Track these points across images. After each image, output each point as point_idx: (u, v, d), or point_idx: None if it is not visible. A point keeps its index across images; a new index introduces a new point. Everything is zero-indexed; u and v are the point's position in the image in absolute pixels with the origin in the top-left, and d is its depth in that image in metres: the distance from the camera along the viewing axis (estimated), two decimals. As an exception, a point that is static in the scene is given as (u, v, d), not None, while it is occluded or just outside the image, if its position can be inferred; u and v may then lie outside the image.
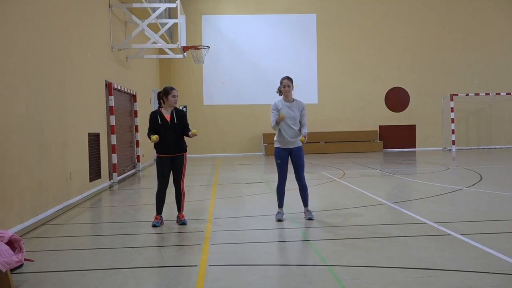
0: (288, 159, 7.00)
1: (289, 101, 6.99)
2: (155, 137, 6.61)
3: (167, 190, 7.01)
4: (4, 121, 6.56)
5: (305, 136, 6.79)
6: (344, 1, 23.33)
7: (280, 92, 7.10)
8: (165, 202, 7.18)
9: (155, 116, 6.85)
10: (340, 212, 7.54)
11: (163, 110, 6.90)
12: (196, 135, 6.81)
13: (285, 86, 6.97)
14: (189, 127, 7.02)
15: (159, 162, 6.92)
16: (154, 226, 6.81)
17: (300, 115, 6.96)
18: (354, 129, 23.04)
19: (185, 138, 6.99)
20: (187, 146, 7.04)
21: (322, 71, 23.12)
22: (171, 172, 6.96)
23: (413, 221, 6.73)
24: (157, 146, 6.86)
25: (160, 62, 22.48)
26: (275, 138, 7.02)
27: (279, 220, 6.89)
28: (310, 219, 6.91)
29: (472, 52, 23.61)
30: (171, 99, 6.84)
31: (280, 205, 7.07)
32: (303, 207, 7.12)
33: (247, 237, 6.14)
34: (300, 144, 6.96)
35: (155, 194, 6.99)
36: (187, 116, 7.63)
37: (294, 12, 23.24)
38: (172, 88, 6.94)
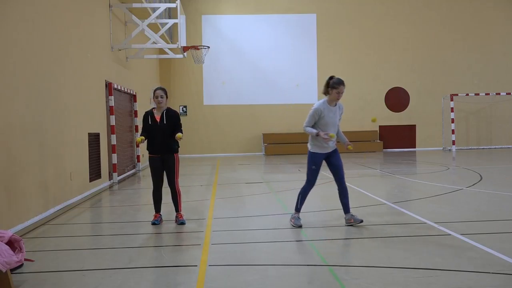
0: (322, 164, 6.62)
1: (333, 105, 6.45)
2: (139, 139, 6.75)
3: (165, 190, 7.02)
4: (4, 121, 6.56)
5: (350, 144, 6.64)
6: (344, 1, 23.34)
7: (326, 92, 6.45)
8: (164, 202, 7.21)
9: (146, 117, 6.94)
10: (340, 212, 7.52)
11: (155, 111, 6.96)
12: (180, 138, 6.76)
13: (340, 93, 6.33)
14: (183, 127, 7.04)
15: (150, 162, 7.00)
16: (153, 224, 6.87)
17: (339, 119, 6.57)
18: (354, 129, 23.05)
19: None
20: (178, 147, 7.02)
21: (322, 71, 23.10)
22: (165, 172, 6.97)
23: (413, 221, 6.73)
24: (147, 146, 6.95)
25: (160, 62, 22.47)
26: (313, 143, 6.48)
27: (300, 226, 6.45)
28: (361, 221, 6.46)
29: (472, 52, 23.61)
30: (155, 100, 6.91)
31: (300, 209, 6.67)
32: (344, 214, 6.59)
33: (247, 237, 6.14)
34: (336, 146, 6.61)
35: (151, 193, 7.05)
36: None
37: (294, 12, 23.25)
38: (157, 89, 6.96)
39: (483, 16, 23.66)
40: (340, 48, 23.30)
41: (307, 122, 6.41)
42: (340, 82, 6.34)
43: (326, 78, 6.61)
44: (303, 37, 23.27)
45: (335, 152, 6.57)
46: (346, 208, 6.56)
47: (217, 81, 23.07)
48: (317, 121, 6.38)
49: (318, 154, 6.47)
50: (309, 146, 6.56)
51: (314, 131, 6.31)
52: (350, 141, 6.83)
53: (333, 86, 6.34)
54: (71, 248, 5.83)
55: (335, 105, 6.48)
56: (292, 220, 6.60)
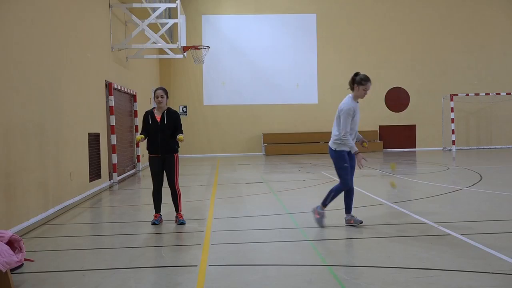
0: None
1: (356, 101, 6.39)
2: (139, 137, 6.75)
3: (165, 190, 7.02)
4: (4, 121, 6.57)
5: (365, 141, 6.53)
6: (344, 1, 23.34)
7: (352, 88, 6.34)
8: (164, 202, 7.21)
9: (146, 116, 6.96)
10: (340, 212, 7.52)
11: (155, 111, 6.97)
12: (182, 140, 6.75)
13: (367, 90, 6.22)
14: (182, 128, 7.04)
15: (150, 161, 7.00)
16: (153, 224, 6.88)
17: None
18: (354, 129, 22.99)
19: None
20: (178, 147, 7.02)
21: (322, 71, 23.12)
22: (165, 172, 6.98)
23: (413, 221, 6.73)
24: (147, 146, 6.96)
25: (160, 62, 22.47)
26: (338, 141, 6.26)
27: (322, 226, 6.35)
28: (361, 222, 6.42)
29: (472, 52, 23.61)
30: (155, 100, 6.92)
31: (326, 205, 6.46)
32: (345, 214, 6.51)
33: (247, 237, 6.14)
34: None
35: (151, 193, 7.04)
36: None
37: (294, 12, 23.25)
38: (158, 89, 6.96)
39: (483, 16, 23.66)
40: (340, 48, 23.30)
41: (347, 127, 6.10)
42: (368, 79, 6.19)
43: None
44: (303, 37, 23.26)
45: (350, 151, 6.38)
46: (348, 209, 6.51)
47: (217, 81, 23.07)
48: None
49: (345, 151, 6.27)
50: (333, 145, 6.32)
51: (356, 149, 6.14)
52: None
53: (360, 83, 6.19)
54: (71, 248, 5.83)
55: (357, 101, 6.38)
56: (317, 215, 6.38)
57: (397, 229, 6.31)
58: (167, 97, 6.98)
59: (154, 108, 7.01)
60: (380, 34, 23.40)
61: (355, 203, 8.30)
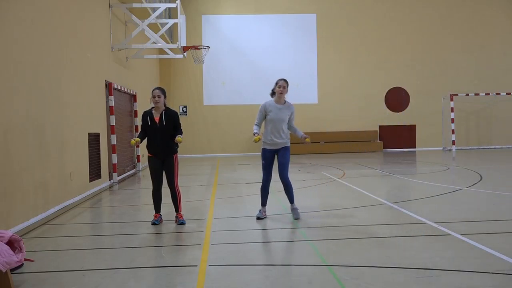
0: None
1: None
2: (133, 141, 6.73)
3: (165, 190, 7.03)
4: (4, 121, 6.57)
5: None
6: (344, 1, 23.33)
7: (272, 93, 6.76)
8: (164, 202, 7.21)
9: (145, 117, 6.93)
10: (340, 212, 7.53)
11: (154, 111, 6.93)
12: (180, 141, 6.74)
13: (281, 86, 6.77)
14: (182, 127, 7.04)
15: (150, 162, 7.00)
16: (153, 224, 6.88)
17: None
18: (354, 129, 23.04)
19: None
20: (177, 148, 7.01)
21: (322, 71, 23.11)
22: (164, 173, 6.97)
23: (413, 221, 6.73)
24: (147, 146, 6.96)
25: (160, 62, 22.47)
26: None
27: None
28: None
29: (472, 52, 23.61)
30: (152, 99, 6.87)
31: None
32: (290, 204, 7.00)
33: (247, 237, 6.14)
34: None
35: (151, 193, 7.04)
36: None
37: (294, 12, 23.24)
38: (154, 89, 6.92)
39: (483, 16, 23.65)
40: (340, 48, 23.29)
41: None
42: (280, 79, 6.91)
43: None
44: (303, 37, 23.25)
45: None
46: (290, 199, 6.79)
47: (217, 81, 23.06)
48: None
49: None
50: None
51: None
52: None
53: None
54: (71, 248, 5.83)
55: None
56: None
57: (397, 229, 6.31)
58: (165, 96, 6.95)
59: (153, 108, 6.99)
60: (380, 34, 23.39)
61: (355, 203, 8.32)
